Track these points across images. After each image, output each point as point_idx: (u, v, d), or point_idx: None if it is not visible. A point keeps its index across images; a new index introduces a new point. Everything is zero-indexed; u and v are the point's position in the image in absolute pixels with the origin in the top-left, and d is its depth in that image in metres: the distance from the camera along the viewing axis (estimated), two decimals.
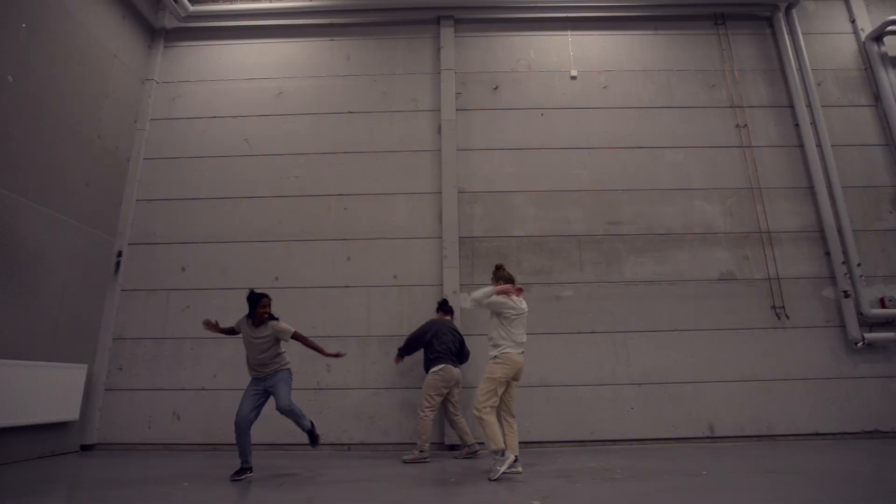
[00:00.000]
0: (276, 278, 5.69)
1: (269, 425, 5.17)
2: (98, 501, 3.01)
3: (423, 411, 4.51)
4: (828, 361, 5.38)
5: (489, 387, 3.66)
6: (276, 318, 3.91)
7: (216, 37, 6.66)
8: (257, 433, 5.15)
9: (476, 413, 3.62)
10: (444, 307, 5.08)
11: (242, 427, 3.69)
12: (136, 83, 6.22)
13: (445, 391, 4.61)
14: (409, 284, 5.64)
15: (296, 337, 3.88)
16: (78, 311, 5.17)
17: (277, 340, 3.86)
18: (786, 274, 5.67)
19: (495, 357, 3.73)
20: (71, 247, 5.09)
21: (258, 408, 3.80)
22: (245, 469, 3.69)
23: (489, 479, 3.45)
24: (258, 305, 3.81)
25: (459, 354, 4.81)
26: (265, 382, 3.83)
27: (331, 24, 6.69)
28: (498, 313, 3.79)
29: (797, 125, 6.17)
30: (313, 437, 3.95)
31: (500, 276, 3.93)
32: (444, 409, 4.76)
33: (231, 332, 3.97)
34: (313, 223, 5.88)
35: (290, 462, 4.26)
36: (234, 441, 5.15)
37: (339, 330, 5.50)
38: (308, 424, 3.89)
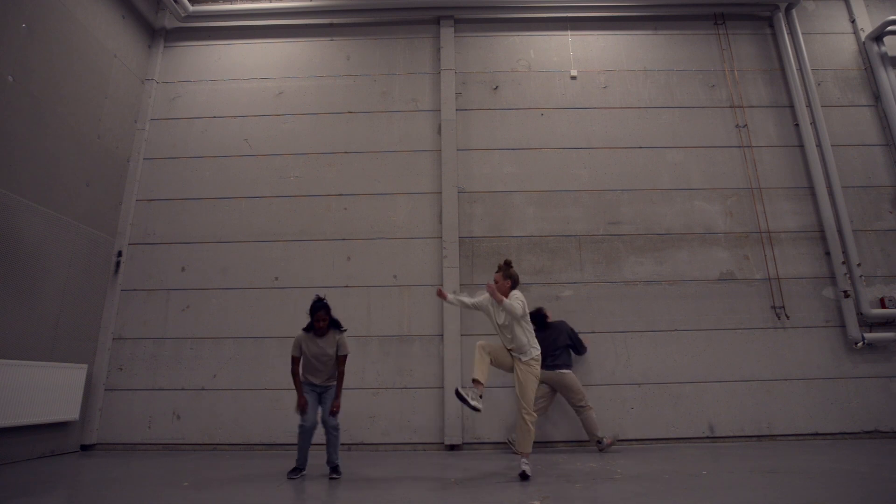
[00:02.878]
0: (276, 278, 5.69)
1: (270, 426, 5.19)
2: (98, 501, 3.01)
3: (587, 405, 4.76)
4: (828, 361, 5.38)
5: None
6: (341, 327, 3.86)
7: (216, 37, 6.66)
8: (256, 433, 5.18)
9: (528, 416, 3.62)
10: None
11: (311, 432, 3.68)
12: (136, 83, 6.22)
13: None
14: (409, 284, 5.64)
15: (341, 361, 3.80)
16: (78, 311, 5.17)
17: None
18: (786, 274, 5.67)
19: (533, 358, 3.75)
20: (71, 247, 5.09)
21: (317, 410, 3.79)
22: (300, 469, 3.73)
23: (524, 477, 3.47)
24: (313, 318, 3.73)
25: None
26: (321, 391, 3.82)
27: (331, 24, 6.69)
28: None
29: (797, 125, 6.17)
30: (335, 471, 3.77)
31: (510, 274, 3.85)
32: (545, 406, 4.94)
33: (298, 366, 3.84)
34: (313, 223, 5.88)
35: (289, 462, 4.25)
36: (233, 441, 5.20)
37: None
38: (336, 460, 3.76)
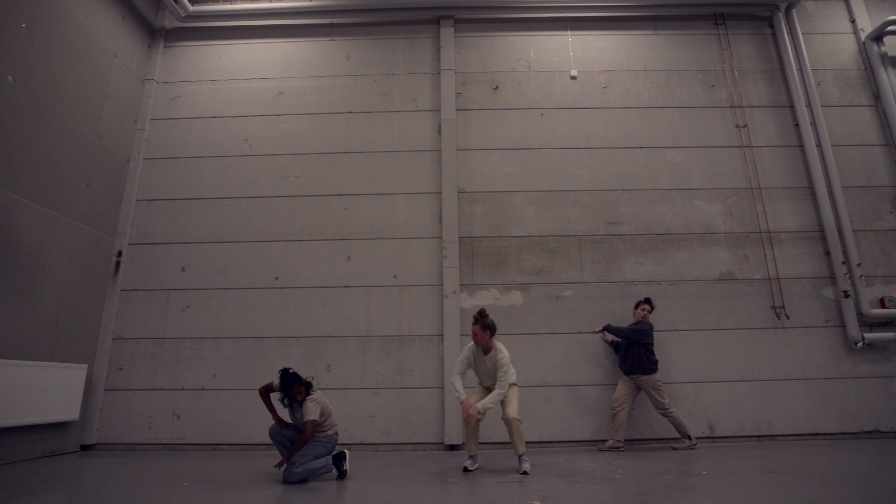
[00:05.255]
0: (276, 278, 5.69)
1: (269, 426, 5.18)
2: (98, 501, 3.01)
3: (668, 408, 4.78)
4: (828, 361, 5.38)
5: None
6: (311, 387, 3.69)
7: (216, 37, 6.66)
8: (256, 433, 5.18)
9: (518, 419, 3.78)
10: (651, 302, 5.15)
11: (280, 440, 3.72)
12: (136, 83, 6.22)
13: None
14: (409, 284, 5.64)
15: (306, 425, 3.52)
16: (78, 311, 5.17)
17: None
18: (786, 274, 5.67)
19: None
20: (71, 247, 5.09)
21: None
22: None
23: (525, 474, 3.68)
24: (290, 394, 3.60)
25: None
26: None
27: (331, 24, 6.69)
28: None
29: (797, 125, 6.17)
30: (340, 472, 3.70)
31: (488, 324, 3.88)
32: (627, 402, 4.91)
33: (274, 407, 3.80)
34: (313, 223, 5.88)
35: None
36: (233, 441, 5.20)
37: (339, 330, 5.50)
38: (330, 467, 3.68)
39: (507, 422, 3.74)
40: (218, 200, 5.98)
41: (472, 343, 3.95)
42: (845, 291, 5.50)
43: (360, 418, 5.22)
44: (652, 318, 5.47)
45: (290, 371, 3.65)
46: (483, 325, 3.84)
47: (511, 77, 6.42)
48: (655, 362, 4.87)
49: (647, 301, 5.13)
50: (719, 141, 6.14)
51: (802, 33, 6.53)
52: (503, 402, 3.81)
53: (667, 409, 4.78)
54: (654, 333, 5.32)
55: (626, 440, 4.98)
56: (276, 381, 3.69)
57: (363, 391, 5.31)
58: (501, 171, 6.03)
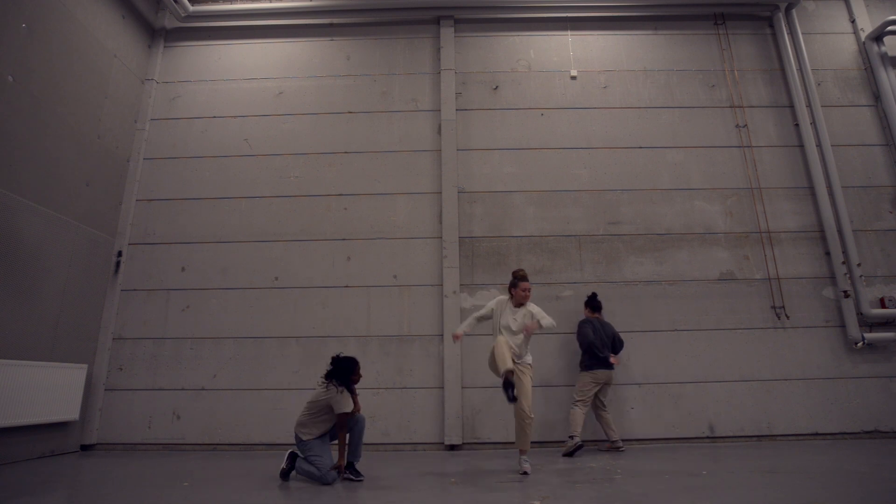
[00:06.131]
0: (276, 278, 5.69)
1: (270, 426, 5.19)
2: (98, 501, 3.01)
3: (574, 405, 4.81)
4: (828, 361, 5.38)
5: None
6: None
7: (216, 37, 6.66)
8: (256, 433, 5.18)
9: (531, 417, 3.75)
10: (594, 303, 5.16)
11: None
12: (136, 83, 6.22)
13: (597, 388, 4.84)
14: (409, 284, 5.64)
15: (340, 419, 3.59)
16: (78, 311, 5.17)
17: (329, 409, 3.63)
18: (786, 274, 5.67)
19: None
20: (71, 247, 5.09)
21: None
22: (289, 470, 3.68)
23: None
24: (354, 374, 3.71)
25: (613, 348, 5.00)
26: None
27: (331, 24, 6.69)
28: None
29: (797, 125, 6.17)
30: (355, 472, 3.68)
31: (520, 275, 4.06)
32: (593, 404, 4.92)
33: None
34: (313, 223, 5.88)
35: None
36: (233, 441, 5.20)
37: (339, 330, 5.50)
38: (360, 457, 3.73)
39: (520, 416, 3.67)
40: (218, 200, 5.98)
41: (502, 298, 4.07)
42: (845, 291, 5.50)
43: None
44: (652, 318, 5.49)
45: (341, 355, 3.74)
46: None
47: (511, 77, 6.42)
48: (581, 363, 4.91)
49: (585, 302, 5.20)
50: (719, 141, 6.14)
51: (802, 33, 6.53)
52: (522, 391, 3.67)
53: (573, 404, 4.80)
54: (657, 332, 5.34)
55: (624, 441, 4.98)
56: (347, 401, 3.58)
57: (363, 391, 5.27)
58: (501, 171, 6.03)
